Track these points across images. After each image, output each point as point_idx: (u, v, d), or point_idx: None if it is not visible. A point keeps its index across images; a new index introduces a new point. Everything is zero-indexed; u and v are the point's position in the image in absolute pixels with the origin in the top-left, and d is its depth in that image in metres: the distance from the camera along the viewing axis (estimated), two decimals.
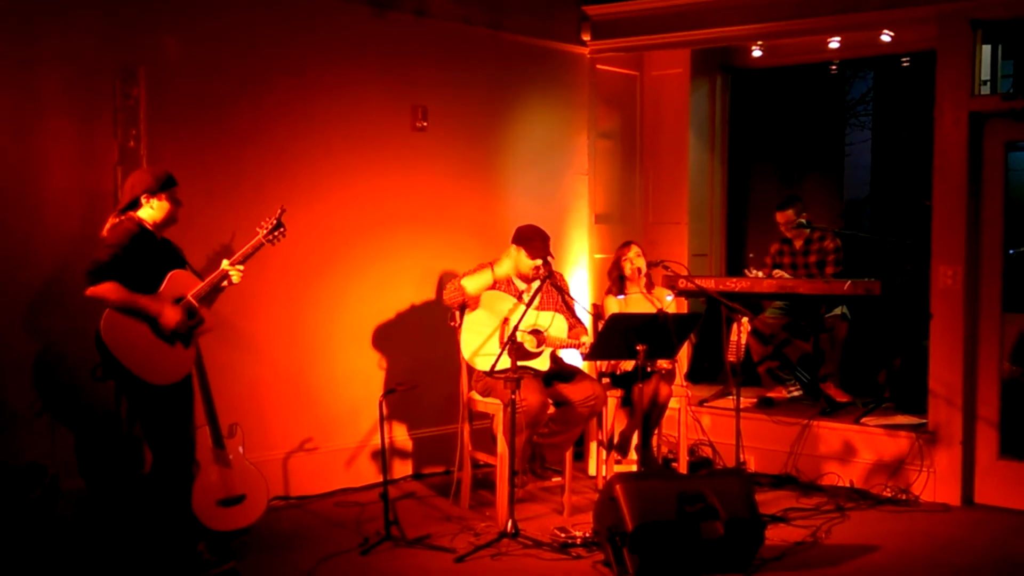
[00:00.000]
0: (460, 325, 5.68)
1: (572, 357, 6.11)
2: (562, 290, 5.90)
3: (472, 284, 5.62)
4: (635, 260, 6.23)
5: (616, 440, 6.24)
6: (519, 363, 5.37)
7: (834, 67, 8.35)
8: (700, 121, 8.18)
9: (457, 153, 6.78)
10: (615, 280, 6.31)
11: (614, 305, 6.19)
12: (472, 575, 4.85)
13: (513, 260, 5.72)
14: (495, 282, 5.66)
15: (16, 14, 4.94)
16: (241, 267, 4.73)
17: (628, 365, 6.07)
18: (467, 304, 5.65)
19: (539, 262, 5.63)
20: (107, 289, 4.40)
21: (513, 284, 5.78)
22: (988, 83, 6.21)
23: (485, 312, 5.66)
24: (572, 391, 5.67)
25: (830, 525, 5.58)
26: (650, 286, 6.31)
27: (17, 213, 4.97)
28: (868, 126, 10.67)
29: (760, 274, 6.88)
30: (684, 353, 6.59)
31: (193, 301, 4.62)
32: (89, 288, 4.41)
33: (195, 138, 5.54)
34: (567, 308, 5.88)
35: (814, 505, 5.94)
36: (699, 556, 4.73)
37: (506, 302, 5.69)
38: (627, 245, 6.33)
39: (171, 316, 4.53)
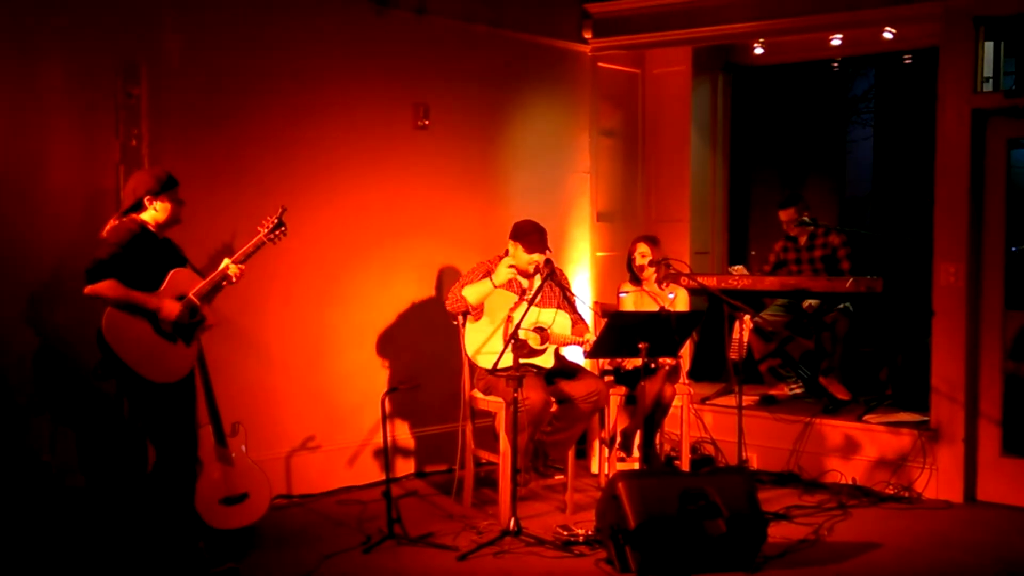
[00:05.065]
0: (463, 323, 5.69)
1: (574, 354, 6.11)
2: (563, 287, 5.90)
3: (472, 295, 5.62)
4: (638, 259, 6.26)
5: (619, 439, 6.24)
6: (525, 360, 5.37)
7: (836, 64, 8.34)
8: (702, 119, 8.18)
9: (459, 151, 6.78)
10: (630, 274, 6.35)
11: (627, 301, 6.21)
12: (475, 573, 4.85)
13: (511, 258, 5.71)
14: (495, 289, 5.65)
15: (17, 11, 4.93)
16: (242, 266, 4.74)
17: (632, 363, 6.07)
18: (470, 312, 5.66)
19: (537, 256, 5.63)
20: (106, 287, 4.41)
21: (516, 281, 5.77)
22: (990, 80, 6.20)
23: (489, 310, 5.66)
24: (574, 388, 5.67)
25: (832, 522, 5.58)
26: (661, 283, 6.32)
27: (19, 211, 4.96)
28: (870, 123, 10.67)
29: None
30: (687, 351, 6.59)
31: (195, 299, 4.62)
32: (88, 286, 4.42)
33: (197, 136, 5.54)
34: (568, 305, 5.88)
35: (816, 503, 5.94)
36: (702, 553, 4.73)
37: (509, 300, 5.69)
38: (636, 241, 6.35)
39: (171, 307, 4.53)
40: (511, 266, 5.67)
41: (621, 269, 6.55)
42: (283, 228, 4.86)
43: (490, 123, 7.00)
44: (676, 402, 6.14)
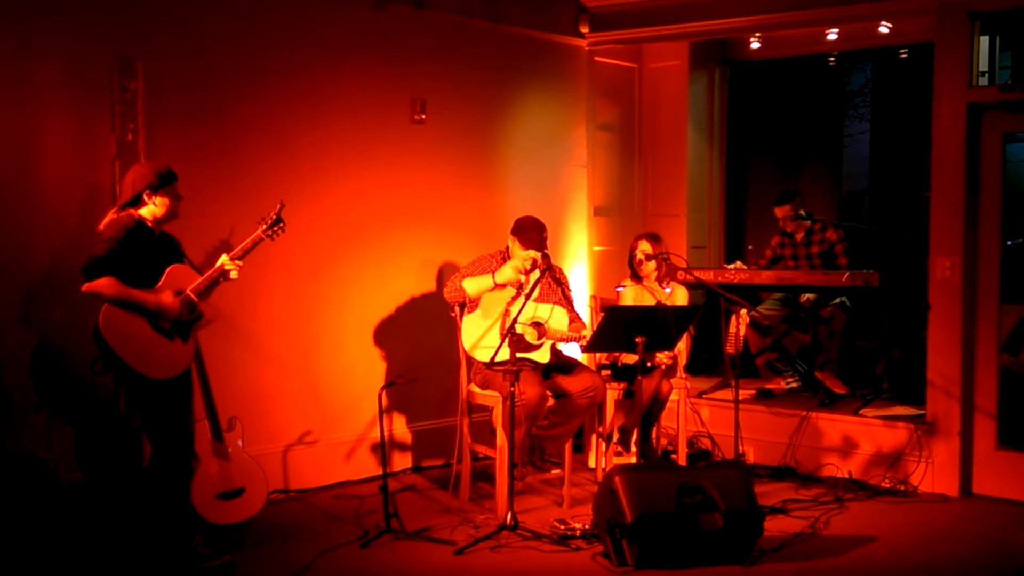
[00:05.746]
0: (460, 316, 5.70)
1: (571, 349, 6.11)
2: (561, 284, 5.90)
3: (472, 287, 5.62)
4: (639, 255, 6.25)
5: (616, 435, 6.25)
6: (520, 355, 5.37)
7: (832, 59, 8.34)
8: (699, 113, 8.18)
9: (456, 146, 6.78)
10: (631, 270, 6.35)
11: (626, 295, 6.22)
12: (472, 567, 4.86)
13: (513, 256, 5.71)
14: (495, 287, 5.64)
15: (13, 6, 4.92)
16: (240, 262, 4.73)
17: (629, 358, 6.08)
18: (466, 304, 5.67)
19: (532, 253, 5.63)
20: (103, 284, 4.40)
21: (517, 280, 5.75)
22: (986, 74, 6.21)
23: (485, 303, 5.66)
24: (571, 383, 5.67)
25: (829, 516, 5.59)
26: (661, 279, 6.31)
27: (15, 206, 4.95)
28: (867, 118, 10.67)
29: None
30: (684, 345, 6.60)
31: (192, 296, 4.62)
32: (85, 284, 4.41)
33: (193, 132, 5.54)
34: (567, 301, 5.88)
35: (813, 496, 5.95)
36: (698, 547, 4.74)
37: (506, 293, 5.69)
38: (638, 238, 6.34)
39: (170, 301, 4.52)
40: (514, 268, 5.67)
41: (618, 264, 6.55)
42: (281, 224, 4.85)
43: (487, 117, 7.00)
44: (673, 396, 6.15)
